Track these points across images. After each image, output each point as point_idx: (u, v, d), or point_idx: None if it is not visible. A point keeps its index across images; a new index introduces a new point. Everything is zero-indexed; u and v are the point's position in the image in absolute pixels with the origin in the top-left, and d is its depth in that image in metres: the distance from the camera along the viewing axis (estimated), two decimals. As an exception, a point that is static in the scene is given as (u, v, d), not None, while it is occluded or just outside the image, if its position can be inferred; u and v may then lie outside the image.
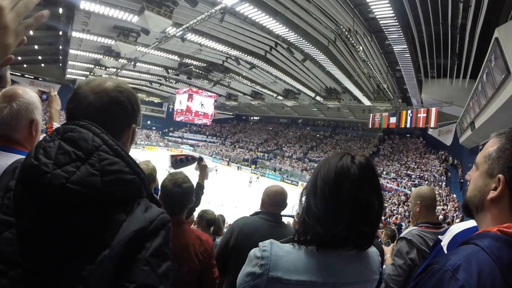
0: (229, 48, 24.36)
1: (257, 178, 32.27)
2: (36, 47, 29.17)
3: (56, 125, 2.35)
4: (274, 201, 2.58)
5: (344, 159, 1.07)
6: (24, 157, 1.26)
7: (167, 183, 2.16)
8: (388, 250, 3.59)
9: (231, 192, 23.26)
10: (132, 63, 29.47)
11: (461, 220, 10.84)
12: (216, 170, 30.93)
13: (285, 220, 5.34)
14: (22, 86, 1.53)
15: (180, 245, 2.01)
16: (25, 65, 37.00)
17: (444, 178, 25.68)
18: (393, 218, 18.98)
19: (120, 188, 0.86)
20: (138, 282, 0.79)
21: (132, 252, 0.81)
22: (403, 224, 16.84)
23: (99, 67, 32.72)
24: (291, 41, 20.72)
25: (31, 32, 19.54)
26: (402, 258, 2.42)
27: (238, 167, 40.01)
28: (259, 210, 2.67)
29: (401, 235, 2.55)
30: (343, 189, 1.02)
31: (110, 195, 0.85)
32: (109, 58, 27.79)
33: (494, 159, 0.91)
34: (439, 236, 1.34)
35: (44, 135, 2.08)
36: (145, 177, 0.94)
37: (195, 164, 3.11)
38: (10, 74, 1.96)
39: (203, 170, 3.13)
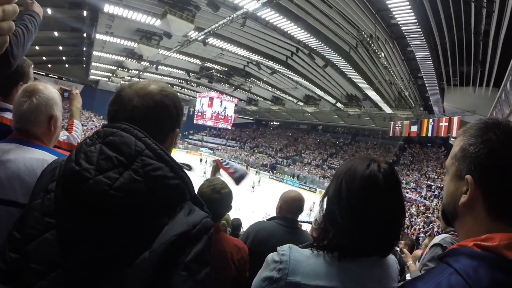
0: (250, 53, 24.58)
1: (259, 181, 31.81)
2: (60, 48, 30.10)
3: (76, 122, 2.46)
4: (291, 207, 2.57)
5: (371, 167, 1.04)
6: (52, 156, 1.36)
7: (205, 189, 2.12)
8: (410, 257, 3.63)
9: (248, 196, 23.25)
10: (154, 66, 30.00)
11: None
12: (259, 182, 31.30)
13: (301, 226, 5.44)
14: (44, 82, 1.54)
15: (218, 252, 2.01)
16: (49, 65, 38.10)
17: (465, 188, 24.84)
18: (411, 229, 18.63)
19: (164, 194, 0.85)
20: (174, 287, 0.78)
21: (172, 256, 0.80)
22: (420, 236, 16.48)
23: (121, 69, 33.46)
24: (312, 46, 20.83)
25: (55, 33, 20.35)
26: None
27: (256, 171, 40.12)
28: (275, 215, 2.67)
29: (435, 242, 2.52)
30: (372, 202, 0.99)
31: (153, 201, 0.83)
32: (132, 60, 28.37)
33: (460, 159, 0.81)
34: None
35: (64, 131, 2.27)
36: (190, 180, 0.92)
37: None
38: (35, 73, 2.04)
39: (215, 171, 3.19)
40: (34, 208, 0.88)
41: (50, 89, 1.50)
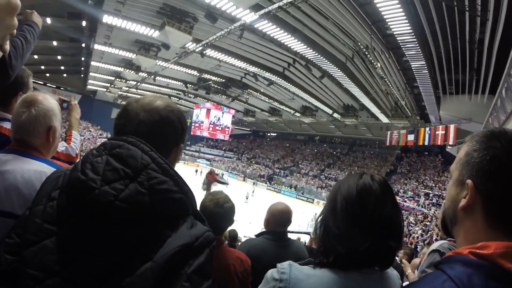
0: (248, 64, 24.79)
1: (253, 192, 31.69)
2: (59, 57, 29.99)
3: (75, 133, 2.41)
4: (279, 220, 2.53)
5: (364, 177, 1.06)
6: (50, 167, 1.34)
7: (208, 203, 2.12)
8: (408, 266, 3.62)
9: (245, 207, 23.06)
10: (152, 76, 30.12)
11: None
12: (253, 192, 31.02)
13: (295, 236, 5.43)
14: (43, 93, 1.53)
15: (221, 265, 2.00)
16: (47, 75, 37.97)
17: (463, 196, 24.93)
18: (410, 238, 18.58)
19: (168, 207, 0.86)
20: None
21: (174, 267, 0.80)
22: (419, 245, 16.44)
23: (119, 80, 33.42)
24: (309, 58, 21.08)
25: (54, 43, 20.37)
26: None
27: (254, 182, 40.02)
28: (263, 230, 2.62)
29: (433, 248, 2.52)
30: (368, 206, 1.00)
31: (157, 214, 0.84)
32: (130, 71, 28.35)
33: (464, 164, 0.81)
34: None
35: (63, 142, 2.26)
36: (193, 195, 0.94)
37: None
38: (33, 82, 1.99)
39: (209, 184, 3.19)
40: (35, 214, 0.88)
41: (49, 100, 1.48)
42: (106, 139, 0.97)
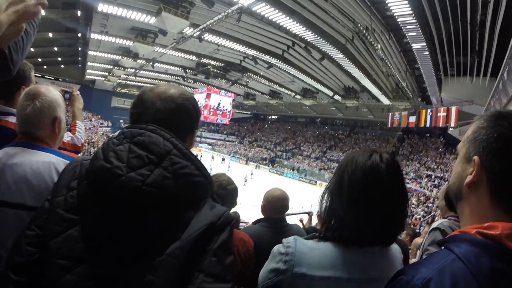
0: (247, 48, 24.58)
1: (251, 174, 31.57)
2: (55, 48, 29.84)
3: (79, 123, 2.43)
4: (275, 207, 2.51)
5: (372, 158, 1.05)
6: (58, 158, 1.40)
7: None
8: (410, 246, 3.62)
9: (248, 190, 23.25)
10: (151, 63, 29.96)
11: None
12: (251, 175, 30.96)
13: (296, 218, 5.42)
14: (45, 85, 1.55)
15: None
16: (45, 67, 37.73)
17: (465, 177, 25.03)
18: (412, 219, 18.73)
19: (191, 190, 0.90)
20: (207, 271, 0.82)
21: (202, 244, 0.85)
22: (422, 226, 16.59)
23: (118, 68, 33.33)
24: (308, 40, 20.78)
25: (50, 34, 20.16)
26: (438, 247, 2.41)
27: (256, 166, 40.20)
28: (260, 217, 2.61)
29: (433, 226, 2.52)
30: (374, 192, 1.01)
31: (181, 196, 0.88)
32: (128, 59, 28.22)
33: (471, 141, 0.81)
34: None
35: (68, 132, 2.27)
36: (211, 178, 0.98)
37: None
38: None
39: None
40: (56, 205, 0.90)
41: (52, 92, 1.51)
42: (123, 128, 0.99)
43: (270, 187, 2.64)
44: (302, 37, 20.56)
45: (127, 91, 46.49)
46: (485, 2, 11.96)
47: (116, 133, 0.97)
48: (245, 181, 28.05)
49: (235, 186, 2.26)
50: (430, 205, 20.61)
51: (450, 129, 27.08)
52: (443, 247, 0.75)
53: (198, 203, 0.91)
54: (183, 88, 1.12)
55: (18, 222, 1.01)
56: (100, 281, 0.81)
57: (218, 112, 37.18)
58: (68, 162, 1.08)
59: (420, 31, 15.78)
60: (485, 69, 17.59)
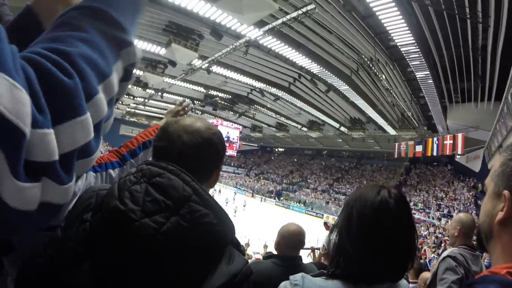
0: (254, 80, 24.93)
1: (244, 206, 30.39)
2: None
3: None
4: (290, 242, 2.39)
5: (381, 194, 1.04)
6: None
7: None
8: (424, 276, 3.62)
9: (255, 224, 22.73)
10: (160, 93, 30.36)
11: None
12: (244, 206, 30.35)
13: (306, 253, 5.27)
14: None
15: None
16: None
17: (474, 206, 24.76)
18: (422, 251, 18.21)
19: (209, 240, 0.84)
20: None
21: None
22: (433, 258, 16.08)
23: (127, 96, 33.61)
24: (314, 72, 21.17)
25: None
26: (455, 273, 2.40)
27: (262, 198, 39.87)
28: (271, 253, 2.50)
29: (444, 255, 2.57)
30: (384, 228, 0.99)
31: (197, 247, 0.83)
32: (138, 88, 28.51)
33: (499, 175, 0.75)
34: None
35: None
36: (232, 225, 0.92)
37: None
38: None
39: None
40: (69, 237, 0.85)
41: None
42: (143, 164, 0.92)
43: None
44: (308, 69, 20.97)
45: (136, 120, 46.97)
46: (485, 26, 12.24)
47: (134, 169, 0.92)
48: (235, 212, 26.89)
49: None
50: (440, 235, 20.14)
51: (457, 156, 26.91)
52: None
53: (215, 253, 0.86)
54: (209, 122, 1.07)
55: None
56: None
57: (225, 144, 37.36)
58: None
59: (423, 59, 16.07)
60: (489, 93, 17.68)
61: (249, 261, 2.45)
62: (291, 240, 2.38)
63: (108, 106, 0.53)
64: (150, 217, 0.79)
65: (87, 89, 0.45)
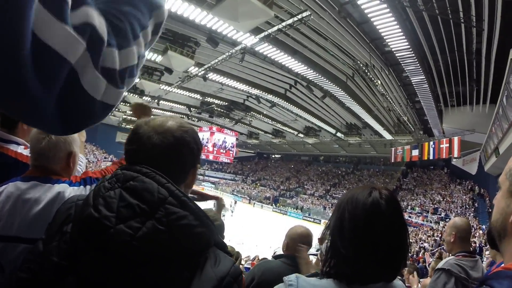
0: (250, 87, 25.09)
1: (232, 212, 29.12)
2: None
3: (81, 156, 2.35)
4: (298, 244, 2.44)
5: (373, 195, 1.03)
6: (71, 188, 1.36)
7: None
8: (416, 281, 3.60)
9: (252, 230, 22.58)
10: (156, 101, 30.32)
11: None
12: (232, 212, 29.40)
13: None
14: None
15: None
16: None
17: (472, 209, 24.93)
18: (420, 254, 18.18)
19: (189, 243, 0.81)
20: None
21: None
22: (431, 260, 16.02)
23: (123, 104, 33.73)
24: (310, 78, 21.37)
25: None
26: None
27: (260, 205, 39.77)
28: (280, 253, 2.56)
29: (438, 266, 2.53)
30: (376, 229, 0.99)
31: (177, 251, 0.79)
32: (134, 95, 28.50)
33: None
34: None
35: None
36: (214, 227, 0.89)
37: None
38: None
39: (220, 208, 3.00)
40: (50, 252, 0.83)
41: None
42: (118, 169, 0.90)
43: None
44: (304, 75, 21.18)
45: (132, 127, 46.87)
46: (479, 30, 12.37)
47: (109, 176, 0.88)
48: (223, 215, 25.98)
49: (222, 222, 2.28)
50: (437, 239, 20.15)
51: (454, 159, 27.05)
52: (484, 285, 0.68)
53: (198, 258, 0.82)
54: (182, 119, 1.03)
55: None
56: None
57: (221, 150, 37.38)
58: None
59: (418, 64, 16.24)
60: (484, 96, 17.86)
61: (255, 262, 2.45)
62: (299, 241, 2.43)
63: (144, 47, 0.69)
64: (125, 223, 0.76)
65: (134, 33, 0.63)
